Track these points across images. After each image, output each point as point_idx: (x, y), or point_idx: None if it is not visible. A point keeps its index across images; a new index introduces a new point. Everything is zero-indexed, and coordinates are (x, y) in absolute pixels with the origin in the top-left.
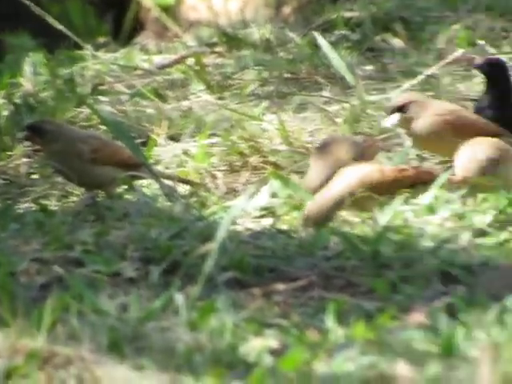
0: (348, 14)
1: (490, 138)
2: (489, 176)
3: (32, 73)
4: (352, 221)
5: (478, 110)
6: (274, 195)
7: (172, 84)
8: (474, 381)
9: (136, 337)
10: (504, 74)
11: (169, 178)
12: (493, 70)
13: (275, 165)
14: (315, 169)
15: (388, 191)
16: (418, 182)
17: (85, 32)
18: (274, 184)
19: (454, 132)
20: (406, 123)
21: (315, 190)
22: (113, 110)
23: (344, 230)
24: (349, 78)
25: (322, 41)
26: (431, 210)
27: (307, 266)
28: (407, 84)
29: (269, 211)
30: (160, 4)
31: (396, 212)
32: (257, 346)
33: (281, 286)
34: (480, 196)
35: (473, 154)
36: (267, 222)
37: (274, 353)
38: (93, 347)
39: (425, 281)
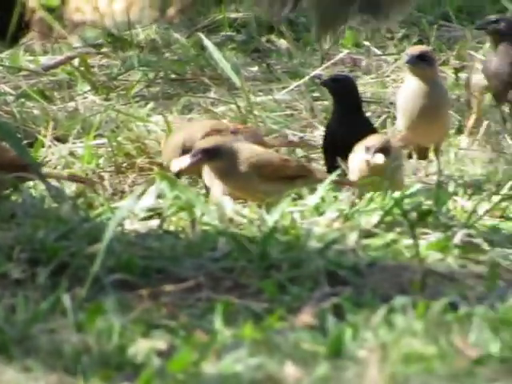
0: (233, 15)
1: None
2: (377, 177)
3: None
4: (240, 221)
5: (328, 127)
6: (160, 196)
7: (58, 85)
8: (362, 381)
9: (23, 338)
10: (350, 91)
11: (58, 177)
12: (339, 86)
13: (162, 166)
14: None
15: (269, 177)
16: (298, 176)
17: None
18: (161, 185)
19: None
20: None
21: None
22: None
23: (232, 230)
24: (235, 78)
25: (207, 42)
26: (318, 210)
27: (195, 267)
28: (293, 85)
29: (156, 212)
30: (45, 5)
31: (284, 213)
32: (145, 347)
33: (168, 287)
34: (367, 197)
35: (360, 155)
36: (154, 223)
37: (162, 354)
38: None
39: (313, 282)
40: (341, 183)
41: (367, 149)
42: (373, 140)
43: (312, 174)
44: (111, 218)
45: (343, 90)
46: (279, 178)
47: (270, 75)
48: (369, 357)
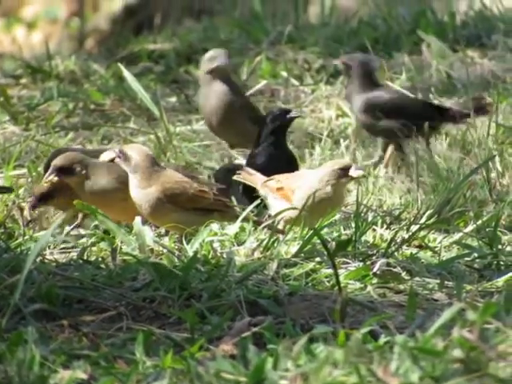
0: (151, 47)
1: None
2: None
3: None
4: (160, 251)
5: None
6: (81, 226)
7: None
8: None
9: None
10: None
11: None
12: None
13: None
14: None
15: (185, 205)
16: (214, 209)
17: None
18: (82, 214)
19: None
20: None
21: None
22: None
23: (152, 260)
24: (154, 109)
25: (126, 72)
26: (238, 240)
27: (115, 297)
28: None
29: (77, 242)
30: None
31: (204, 242)
32: (66, 377)
33: (89, 317)
34: (287, 226)
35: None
36: (75, 252)
37: None
38: None
39: (233, 311)
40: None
41: (341, 170)
42: (340, 162)
43: (229, 209)
44: (31, 248)
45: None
46: (194, 209)
47: (189, 106)
48: None
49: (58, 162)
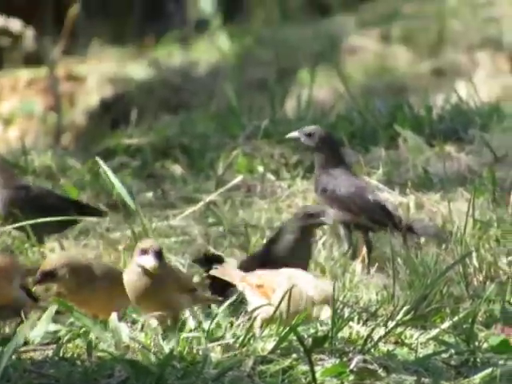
0: (128, 141)
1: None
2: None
3: None
4: (136, 347)
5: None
6: (57, 322)
7: None
8: None
9: None
10: None
11: None
12: None
13: (59, 292)
14: None
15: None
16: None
17: None
18: (57, 311)
19: None
20: None
21: None
22: None
23: (128, 357)
24: (130, 203)
25: (104, 166)
26: (215, 336)
27: None
28: (188, 210)
29: (52, 338)
30: None
31: (180, 338)
32: None
33: None
34: (264, 323)
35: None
36: (51, 349)
37: None
38: None
39: None
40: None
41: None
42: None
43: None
44: (6, 346)
45: None
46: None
47: (165, 201)
48: None
49: (43, 266)
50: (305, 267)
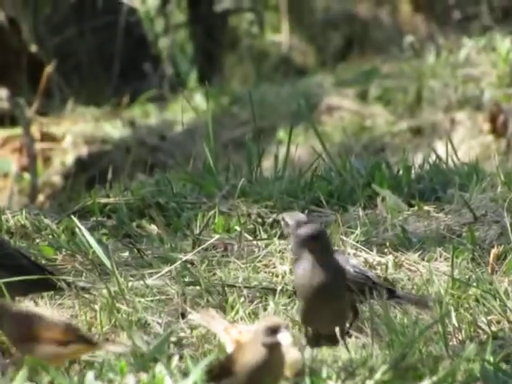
0: (103, 201)
1: None
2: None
3: None
4: None
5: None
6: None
7: None
8: None
9: None
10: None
11: None
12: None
13: None
14: None
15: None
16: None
17: None
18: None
19: None
20: None
21: None
22: None
23: None
24: (106, 263)
25: (79, 225)
26: None
27: None
28: (165, 270)
29: None
30: None
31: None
32: None
33: None
34: None
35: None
36: None
37: None
38: None
39: None
40: None
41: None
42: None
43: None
44: None
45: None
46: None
47: (142, 260)
48: None
49: None
50: None
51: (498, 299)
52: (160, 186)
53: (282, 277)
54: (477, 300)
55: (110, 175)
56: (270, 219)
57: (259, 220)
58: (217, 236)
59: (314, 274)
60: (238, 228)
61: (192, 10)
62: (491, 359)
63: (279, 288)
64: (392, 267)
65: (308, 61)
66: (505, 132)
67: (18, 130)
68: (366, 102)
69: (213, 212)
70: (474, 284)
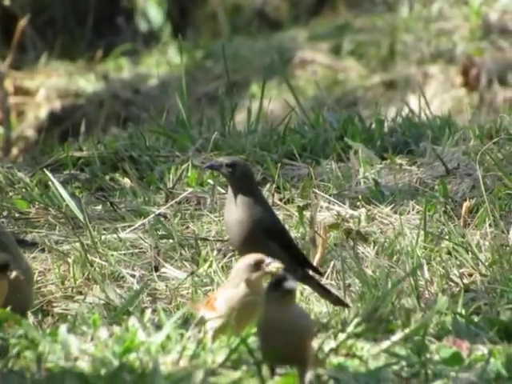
0: (77, 154)
1: None
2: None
3: None
4: (86, 359)
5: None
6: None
7: None
8: None
9: None
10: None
11: None
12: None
13: None
14: None
15: None
16: None
17: None
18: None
19: None
20: None
21: None
22: None
23: (78, 369)
24: (79, 216)
25: (52, 179)
26: (165, 349)
27: None
28: (138, 223)
29: (1, 351)
30: None
31: (129, 351)
32: None
33: None
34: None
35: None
36: None
37: None
38: None
39: None
40: None
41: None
42: (250, 257)
43: None
44: None
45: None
46: None
47: (115, 214)
48: None
49: None
50: None
51: (470, 252)
52: (133, 139)
53: None
54: (449, 253)
55: (82, 129)
56: None
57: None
58: (190, 189)
59: (229, 208)
60: (211, 181)
61: None
62: (463, 312)
63: None
64: (364, 220)
65: (282, 15)
66: (477, 85)
67: None
68: (339, 56)
69: (186, 165)
70: (446, 237)
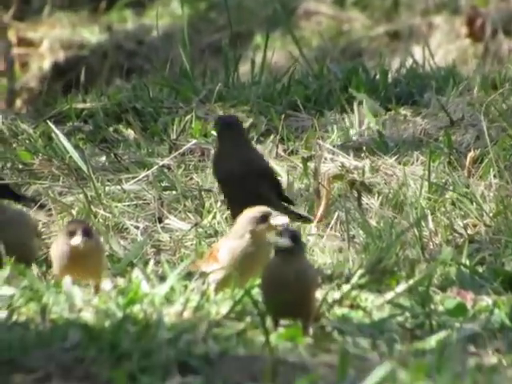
0: (80, 106)
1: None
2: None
3: None
4: (90, 311)
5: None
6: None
7: None
8: None
9: None
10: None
11: None
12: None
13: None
14: None
15: None
16: None
17: None
18: (10, 274)
19: None
20: None
21: None
22: None
23: (82, 320)
24: (83, 167)
25: (56, 131)
26: (169, 300)
27: (45, 358)
28: (142, 175)
29: (5, 302)
30: None
31: (133, 302)
32: None
33: (18, 378)
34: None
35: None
36: (3, 313)
37: None
38: None
39: (164, 371)
40: None
41: (259, 218)
42: (256, 210)
43: None
44: None
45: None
46: None
47: (118, 165)
48: None
49: None
50: None
51: (474, 203)
52: (137, 90)
53: None
54: (453, 204)
55: (86, 81)
56: (247, 123)
57: None
58: (194, 141)
59: (220, 161)
60: (214, 133)
61: None
62: (467, 263)
63: None
64: (369, 171)
65: None
66: (482, 36)
67: None
68: (343, 6)
69: (189, 117)
70: (451, 188)
